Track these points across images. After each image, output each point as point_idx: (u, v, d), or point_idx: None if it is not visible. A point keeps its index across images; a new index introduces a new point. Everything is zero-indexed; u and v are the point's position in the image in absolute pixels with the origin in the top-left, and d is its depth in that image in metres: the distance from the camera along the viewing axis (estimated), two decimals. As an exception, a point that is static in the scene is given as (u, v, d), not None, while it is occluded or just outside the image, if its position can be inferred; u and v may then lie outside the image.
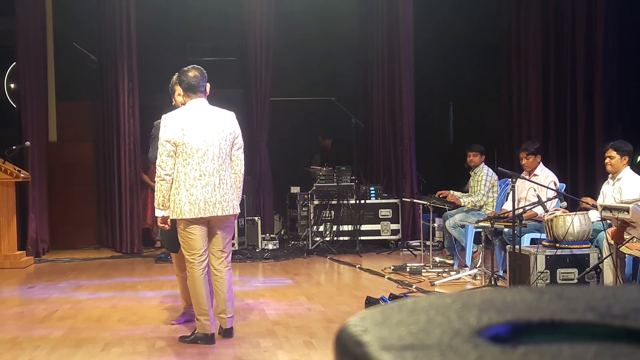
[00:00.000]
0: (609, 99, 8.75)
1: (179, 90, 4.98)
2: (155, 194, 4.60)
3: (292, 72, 11.08)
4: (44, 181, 9.40)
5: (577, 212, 5.84)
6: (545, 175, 6.89)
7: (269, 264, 8.48)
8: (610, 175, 6.25)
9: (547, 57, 9.39)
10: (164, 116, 4.64)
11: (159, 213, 4.62)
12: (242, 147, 4.79)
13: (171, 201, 4.56)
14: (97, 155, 10.07)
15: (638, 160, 7.78)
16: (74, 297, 6.49)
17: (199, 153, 4.51)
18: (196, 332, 4.68)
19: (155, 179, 4.58)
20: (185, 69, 4.70)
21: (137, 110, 9.54)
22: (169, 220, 4.66)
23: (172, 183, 4.54)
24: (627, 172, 6.12)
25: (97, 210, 10.10)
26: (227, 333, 4.77)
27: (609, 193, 6.22)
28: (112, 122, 9.56)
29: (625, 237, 5.18)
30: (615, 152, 6.12)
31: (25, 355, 4.46)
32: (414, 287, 6.55)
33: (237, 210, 4.75)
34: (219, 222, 4.68)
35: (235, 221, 5.90)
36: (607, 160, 6.18)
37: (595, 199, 6.47)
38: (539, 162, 7.06)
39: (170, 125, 4.52)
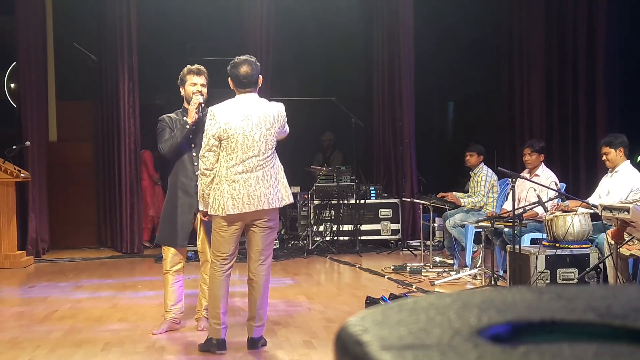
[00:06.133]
0: (611, 98, 8.73)
1: (191, 79, 4.89)
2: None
3: (292, 72, 11.07)
4: (44, 181, 9.40)
5: (577, 212, 5.85)
6: (546, 176, 6.89)
7: (269, 263, 8.47)
8: (610, 169, 6.28)
9: (550, 56, 9.36)
10: (210, 109, 4.42)
11: (201, 206, 4.46)
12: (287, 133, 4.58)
13: (211, 197, 4.34)
14: (97, 155, 10.06)
15: (639, 159, 7.77)
16: (74, 296, 6.49)
17: (243, 148, 4.29)
18: (208, 336, 4.50)
19: (198, 173, 4.44)
20: (237, 61, 4.39)
21: (138, 109, 9.53)
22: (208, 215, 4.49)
23: (212, 178, 4.34)
24: (625, 166, 6.14)
25: (97, 209, 10.11)
26: (252, 343, 4.50)
27: (606, 185, 6.25)
28: (113, 122, 9.56)
29: (625, 237, 5.18)
30: (608, 148, 6.16)
31: (25, 355, 4.46)
32: (414, 286, 6.55)
33: (288, 200, 4.52)
34: (261, 220, 4.45)
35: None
36: (604, 157, 6.22)
37: (594, 191, 6.51)
38: (542, 162, 7.06)
39: (216, 120, 4.29)
